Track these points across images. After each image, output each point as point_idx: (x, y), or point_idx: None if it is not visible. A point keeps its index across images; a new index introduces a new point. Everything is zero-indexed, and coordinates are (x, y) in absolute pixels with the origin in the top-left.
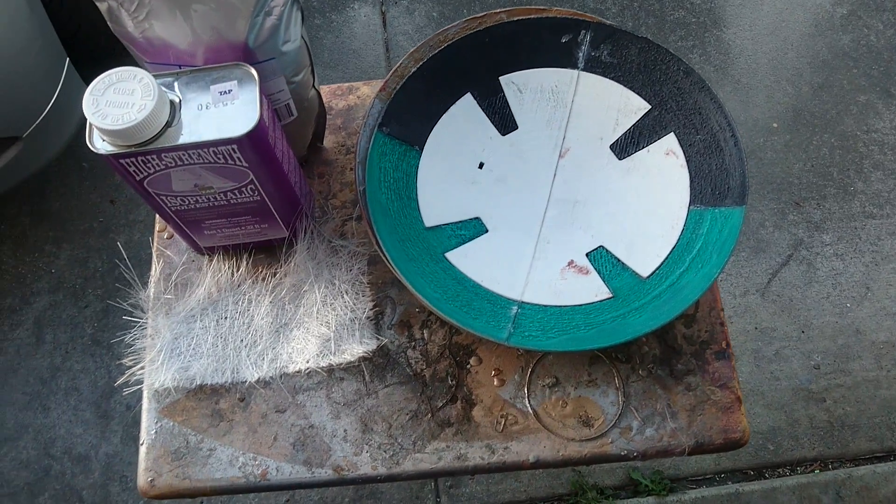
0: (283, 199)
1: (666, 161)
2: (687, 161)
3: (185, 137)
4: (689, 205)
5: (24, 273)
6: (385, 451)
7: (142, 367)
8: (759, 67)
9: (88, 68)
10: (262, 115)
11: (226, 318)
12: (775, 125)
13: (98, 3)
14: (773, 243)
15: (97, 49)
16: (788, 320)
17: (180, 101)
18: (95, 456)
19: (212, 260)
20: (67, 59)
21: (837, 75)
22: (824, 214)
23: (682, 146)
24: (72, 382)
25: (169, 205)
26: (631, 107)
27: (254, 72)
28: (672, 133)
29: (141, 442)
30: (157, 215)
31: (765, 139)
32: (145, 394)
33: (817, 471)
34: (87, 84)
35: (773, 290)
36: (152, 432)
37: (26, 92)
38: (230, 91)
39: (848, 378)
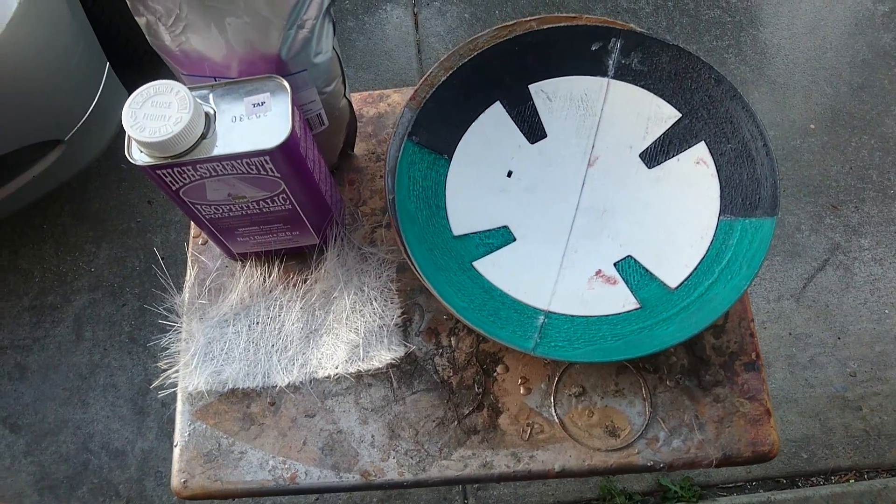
0: (314, 208)
1: (696, 170)
2: (717, 170)
3: (220, 149)
4: (719, 215)
5: (65, 272)
6: (412, 458)
7: (176, 371)
8: (796, 67)
9: (128, 73)
10: (293, 126)
11: (258, 323)
12: (812, 126)
13: (137, 18)
14: (808, 247)
15: (137, 54)
16: (824, 326)
17: (215, 113)
18: (132, 451)
19: (244, 266)
20: (108, 63)
21: (878, 75)
22: (862, 218)
23: (712, 155)
24: (110, 379)
25: (203, 213)
26: (661, 115)
27: (286, 84)
28: (703, 142)
29: (175, 444)
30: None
31: (801, 141)
32: (179, 396)
33: (852, 480)
34: (127, 89)
35: (809, 295)
36: (186, 434)
37: (68, 96)
38: (263, 103)
39: (885, 386)
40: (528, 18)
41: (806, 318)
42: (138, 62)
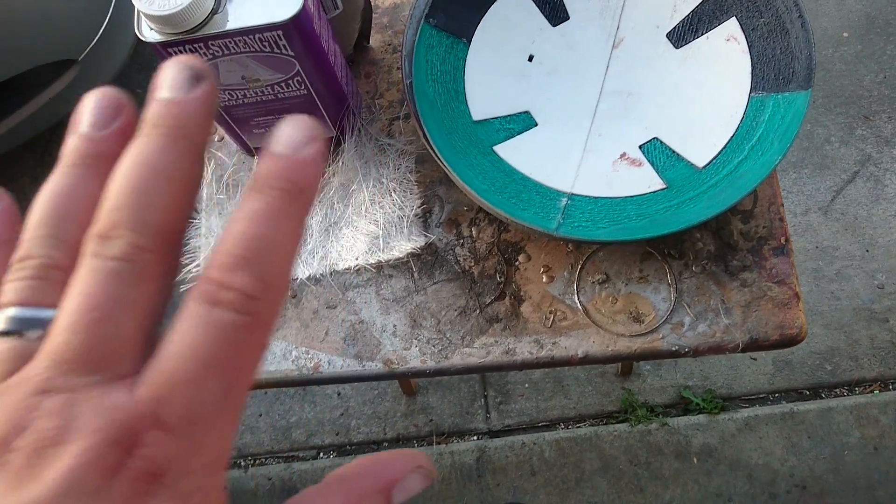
0: (330, 94)
1: (726, 47)
2: (749, 46)
3: (231, 24)
4: (751, 92)
5: None
6: (434, 346)
7: (197, 265)
8: None
9: None
10: (306, 0)
11: None
12: (846, 34)
13: None
14: (838, 159)
15: None
16: (852, 239)
17: None
18: None
19: None
20: None
21: None
22: (895, 129)
23: (744, 31)
24: None
25: (218, 100)
26: None
27: None
28: (734, 17)
29: None
30: None
31: (834, 50)
32: None
33: (877, 391)
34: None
35: (837, 207)
36: None
37: (80, 15)
38: None
39: None
40: None
41: (834, 231)
42: None
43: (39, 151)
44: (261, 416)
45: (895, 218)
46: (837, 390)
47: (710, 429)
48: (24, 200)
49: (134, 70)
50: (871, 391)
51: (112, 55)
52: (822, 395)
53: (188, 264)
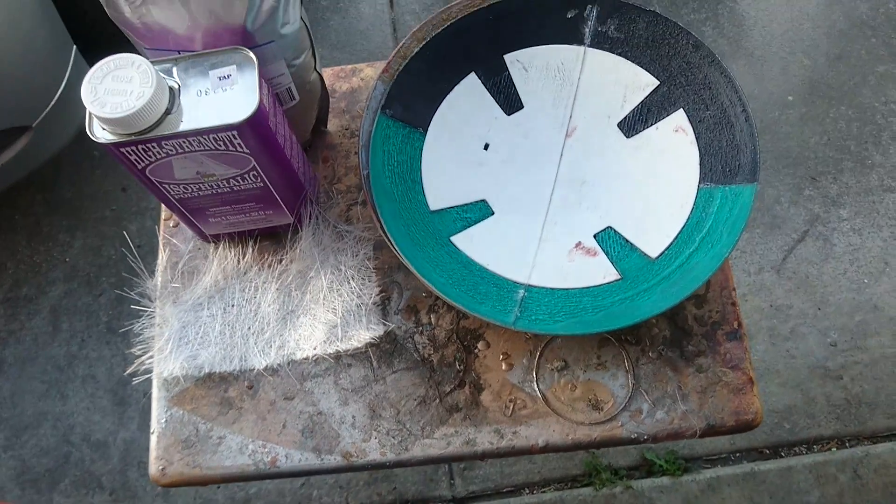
0: (286, 185)
1: (675, 138)
2: (696, 138)
3: (185, 124)
4: (699, 183)
5: (39, 262)
6: (394, 437)
7: (151, 357)
8: (773, 39)
9: (96, 56)
10: (261, 99)
11: (233, 305)
12: (791, 98)
13: None
14: (788, 219)
15: (104, 36)
16: (804, 297)
17: (179, 87)
18: (114, 442)
19: (217, 247)
20: (74, 46)
21: (855, 45)
22: (841, 189)
23: (691, 123)
24: (89, 370)
25: (172, 193)
26: (639, 83)
27: (253, 56)
28: (681, 109)
29: (152, 431)
30: (162, 204)
31: (780, 112)
32: (155, 383)
33: (834, 449)
34: None
35: (789, 266)
36: (162, 421)
37: (34, 81)
38: (229, 76)
39: (865, 355)
40: None
41: (787, 290)
42: (106, 45)
43: None
44: (219, 487)
45: (844, 276)
46: (796, 448)
47: (673, 491)
48: None
49: None
50: (829, 448)
51: (69, 120)
52: (782, 454)
53: (141, 355)
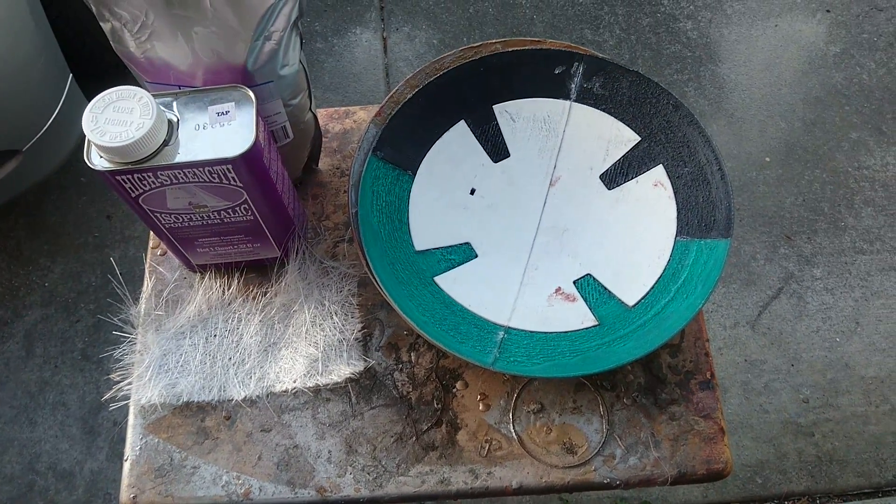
0: (276, 220)
1: (654, 192)
2: (675, 193)
3: (182, 156)
4: (676, 236)
5: (17, 286)
6: (369, 474)
7: (129, 383)
8: (752, 102)
9: (91, 84)
10: (257, 136)
11: (215, 335)
12: (768, 159)
13: (102, 24)
14: (763, 276)
15: (100, 66)
16: (778, 353)
17: (178, 120)
18: (80, 472)
19: (203, 277)
20: (71, 74)
21: (830, 112)
22: (815, 249)
23: (670, 178)
24: (60, 397)
25: (163, 222)
26: (621, 138)
27: (251, 94)
28: (661, 165)
29: (125, 458)
30: (151, 232)
31: (757, 173)
32: (131, 409)
33: None
34: (90, 100)
35: (764, 322)
36: (137, 448)
37: (28, 106)
38: (227, 112)
39: (837, 413)
40: (494, 41)
41: (761, 345)
42: (102, 75)
43: None
44: None
45: (817, 334)
46: None
47: None
48: None
49: (80, 158)
50: None
51: (59, 147)
52: None
53: (119, 381)
